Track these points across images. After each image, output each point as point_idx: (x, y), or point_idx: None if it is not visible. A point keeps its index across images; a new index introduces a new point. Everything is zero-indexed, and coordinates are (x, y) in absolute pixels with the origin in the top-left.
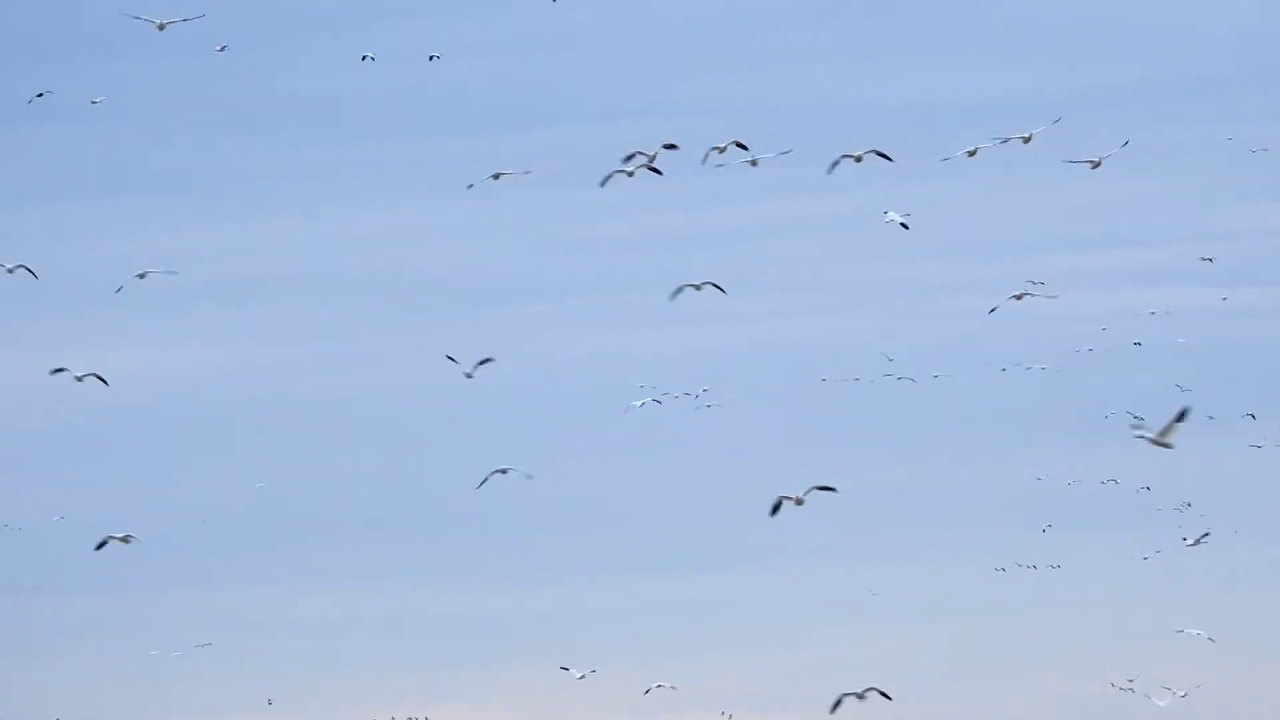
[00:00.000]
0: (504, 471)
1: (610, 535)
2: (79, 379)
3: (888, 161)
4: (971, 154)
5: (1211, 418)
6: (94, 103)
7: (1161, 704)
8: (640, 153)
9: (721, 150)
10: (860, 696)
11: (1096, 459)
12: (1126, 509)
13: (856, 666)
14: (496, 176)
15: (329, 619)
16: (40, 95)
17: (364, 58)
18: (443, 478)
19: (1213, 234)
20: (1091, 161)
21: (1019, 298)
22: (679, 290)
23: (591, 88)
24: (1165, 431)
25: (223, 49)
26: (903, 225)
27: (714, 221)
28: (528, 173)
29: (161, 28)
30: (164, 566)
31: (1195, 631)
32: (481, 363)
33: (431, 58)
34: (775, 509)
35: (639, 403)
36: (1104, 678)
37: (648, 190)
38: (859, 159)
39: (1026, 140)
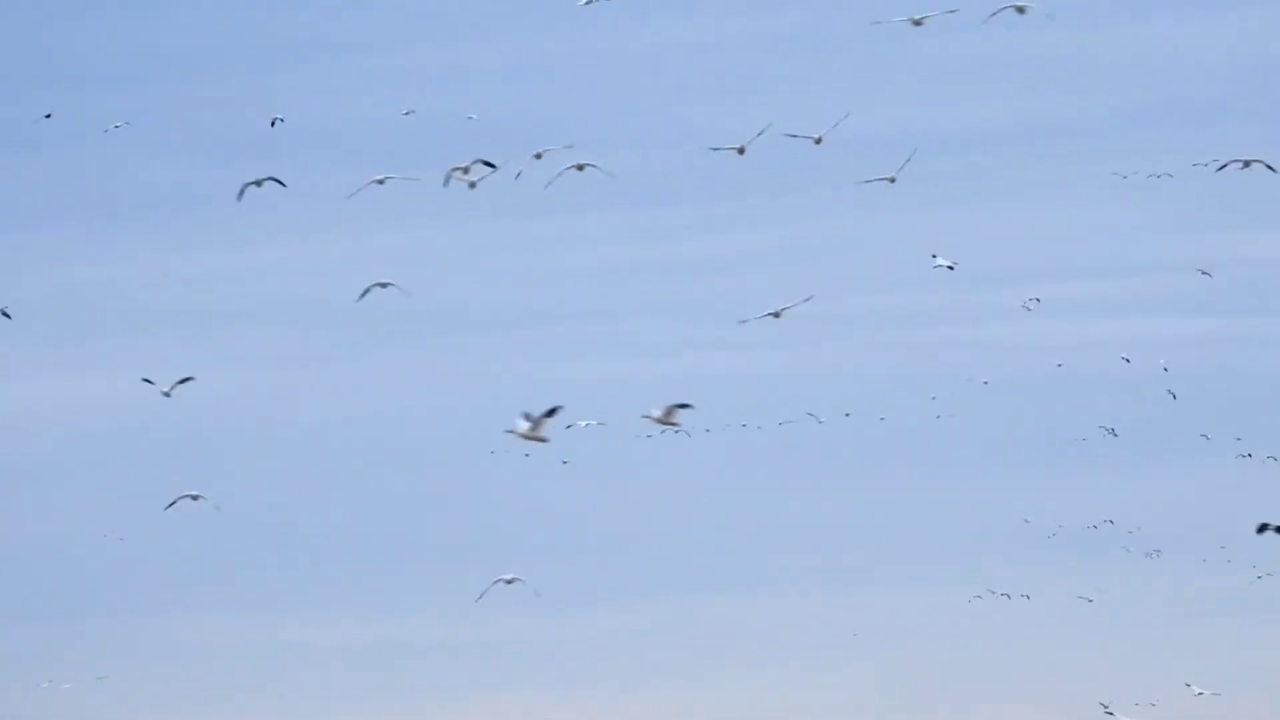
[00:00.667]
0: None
1: (586, 561)
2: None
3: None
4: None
5: (1206, 436)
6: (115, 127)
7: None
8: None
9: (539, 157)
10: None
11: (1082, 492)
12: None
13: (830, 692)
14: (380, 183)
15: (312, 645)
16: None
17: (273, 122)
18: (415, 503)
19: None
20: (887, 179)
21: (776, 315)
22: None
23: (566, 118)
24: (536, 426)
25: (275, 122)
26: (949, 269)
27: (682, 252)
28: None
29: None
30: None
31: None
32: (180, 382)
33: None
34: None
35: (584, 423)
36: (1081, 704)
37: (621, 221)
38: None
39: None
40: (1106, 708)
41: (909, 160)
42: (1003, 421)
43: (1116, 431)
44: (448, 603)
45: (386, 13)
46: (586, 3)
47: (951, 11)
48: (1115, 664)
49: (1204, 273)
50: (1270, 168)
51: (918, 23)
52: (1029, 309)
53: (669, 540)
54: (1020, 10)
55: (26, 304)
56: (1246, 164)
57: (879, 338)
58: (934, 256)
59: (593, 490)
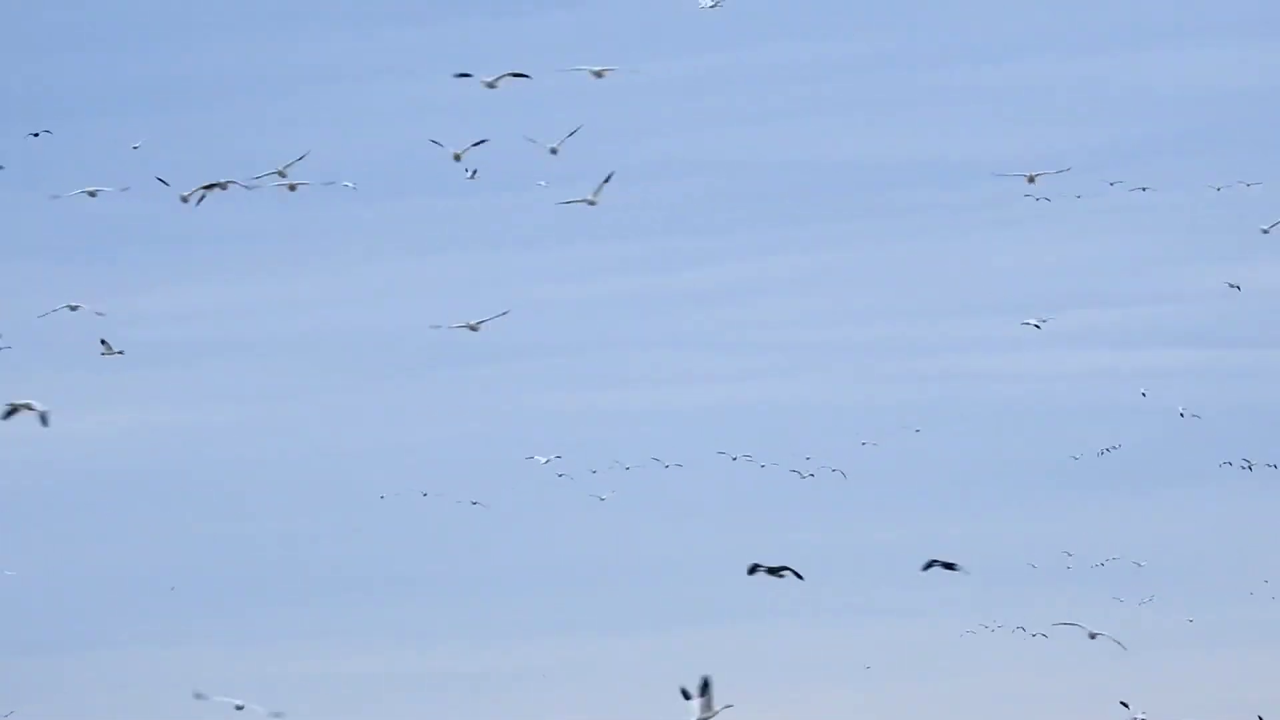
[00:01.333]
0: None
1: (587, 593)
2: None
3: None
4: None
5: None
6: (135, 148)
7: None
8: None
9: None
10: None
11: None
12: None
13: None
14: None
15: (308, 675)
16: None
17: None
18: (407, 537)
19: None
20: (587, 200)
21: (474, 328)
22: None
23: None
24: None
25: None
26: (1037, 327)
27: (684, 282)
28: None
29: None
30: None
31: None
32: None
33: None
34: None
35: (543, 459)
36: None
37: (608, 251)
38: None
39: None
40: None
41: (606, 181)
42: (1014, 449)
43: (1123, 458)
44: (457, 635)
45: (368, 45)
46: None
47: None
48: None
49: (1234, 286)
50: None
51: None
52: (1038, 327)
53: (672, 572)
54: None
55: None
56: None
57: (890, 367)
58: (1029, 322)
59: (598, 521)
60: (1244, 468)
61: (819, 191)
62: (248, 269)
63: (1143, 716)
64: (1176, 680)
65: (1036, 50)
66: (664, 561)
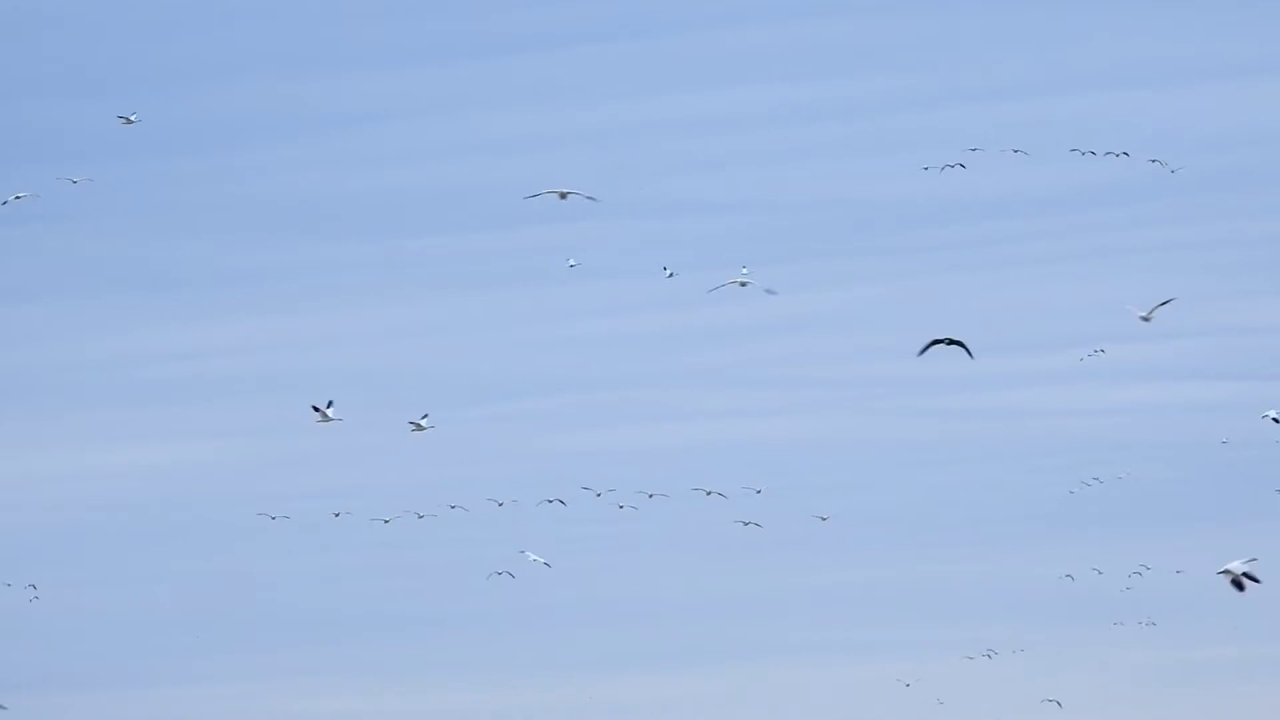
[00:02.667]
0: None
1: (601, 632)
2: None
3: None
4: None
5: None
6: (74, 181)
7: None
8: None
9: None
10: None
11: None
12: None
13: None
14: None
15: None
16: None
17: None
18: (433, 578)
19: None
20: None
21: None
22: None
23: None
24: None
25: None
26: (1275, 420)
27: (711, 319)
28: None
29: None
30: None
31: None
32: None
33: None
34: None
35: (532, 557)
36: None
37: (627, 291)
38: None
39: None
40: None
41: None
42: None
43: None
44: (478, 675)
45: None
46: None
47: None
48: None
49: None
50: None
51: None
52: (1091, 357)
53: (693, 611)
54: None
55: (19, 376)
56: None
57: (917, 404)
58: (1267, 414)
59: (621, 561)
60: None
61: (852, 228)
62: (291, 304)
63: None
64: None
65: (1076, 87)
66: (694, 599)
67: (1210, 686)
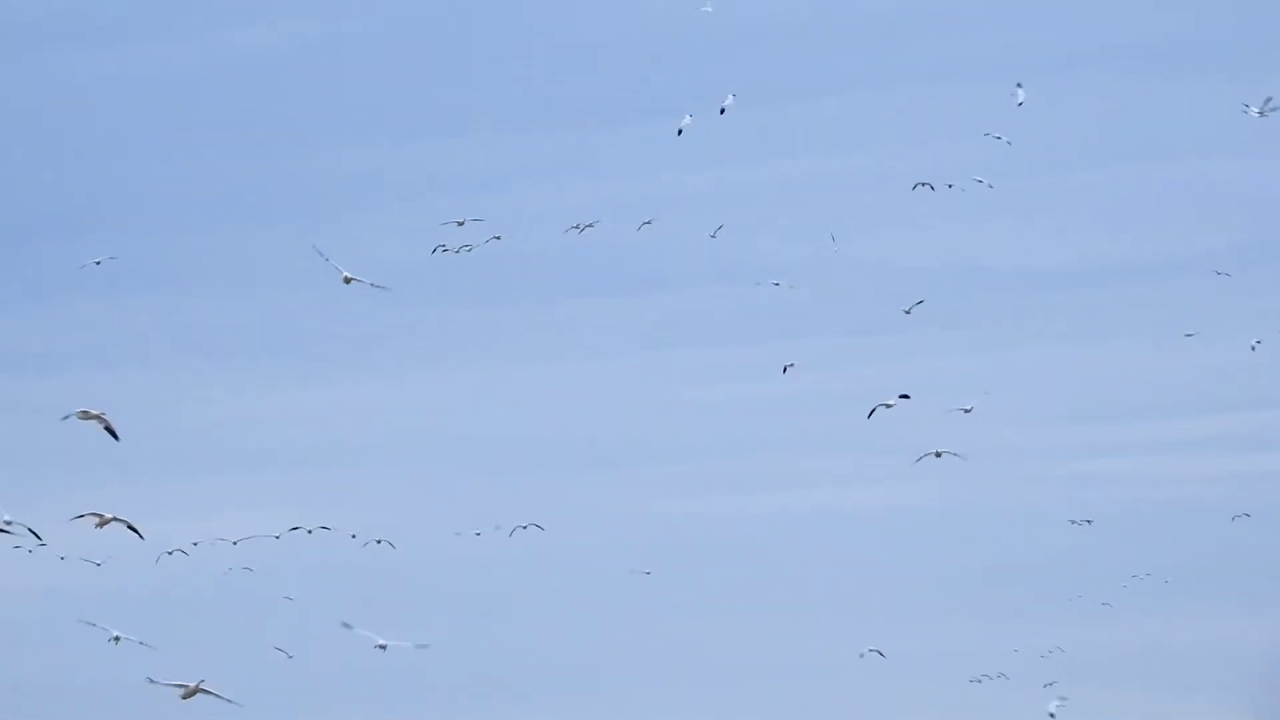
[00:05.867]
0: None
1: (647, 683)
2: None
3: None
4: None
5: None
6: (96, 263)
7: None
8: None
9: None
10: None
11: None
12: None
13: None
14: None
15: None
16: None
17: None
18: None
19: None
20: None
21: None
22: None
23: (648, 255)
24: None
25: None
26: None
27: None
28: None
29: None
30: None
31: None
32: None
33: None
34: None
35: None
36: None
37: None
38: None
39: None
40: None
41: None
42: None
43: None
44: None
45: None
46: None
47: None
48: None
49: None
50: None
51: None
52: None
53: (726, 667)
54: None
55: (141, 442)
56: None
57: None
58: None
59: (662, 610)
60: None
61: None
62: (379, 369)
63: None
64: None
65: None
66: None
67: None
